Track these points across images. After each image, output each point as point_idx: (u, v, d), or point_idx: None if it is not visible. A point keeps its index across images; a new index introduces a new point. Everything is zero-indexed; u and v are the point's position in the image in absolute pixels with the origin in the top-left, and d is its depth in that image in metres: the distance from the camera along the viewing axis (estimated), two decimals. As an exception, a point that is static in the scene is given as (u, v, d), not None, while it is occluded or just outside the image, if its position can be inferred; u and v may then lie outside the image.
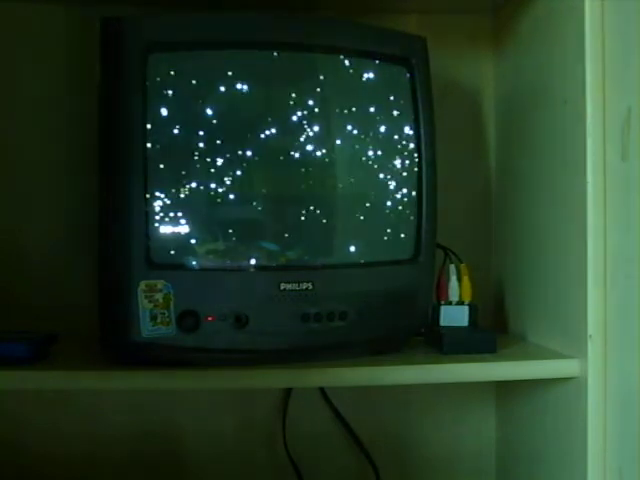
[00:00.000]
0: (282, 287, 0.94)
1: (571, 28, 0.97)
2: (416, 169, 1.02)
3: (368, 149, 1.00)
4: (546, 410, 1.05)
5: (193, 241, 0.93)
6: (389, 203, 1.01)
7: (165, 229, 0.92)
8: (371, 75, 1.00)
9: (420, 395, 1.24)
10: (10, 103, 1.16)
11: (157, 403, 1.18)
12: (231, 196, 0.94)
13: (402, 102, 1.02)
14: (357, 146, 0.99)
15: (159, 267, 0.91)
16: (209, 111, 0.93)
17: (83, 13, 1.14)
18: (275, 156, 0.96)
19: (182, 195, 0.92)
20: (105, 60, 0.93)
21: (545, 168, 1.06)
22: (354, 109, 0.99)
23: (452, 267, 1.09)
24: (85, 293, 1.09)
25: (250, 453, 1.21)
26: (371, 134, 1.00)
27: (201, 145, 0.93)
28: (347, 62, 0.99)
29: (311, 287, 0.95)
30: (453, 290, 1.08)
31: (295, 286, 0.94)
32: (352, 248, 0.99)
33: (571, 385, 0.97)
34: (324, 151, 0.97)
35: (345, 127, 0.99)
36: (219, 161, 0.93)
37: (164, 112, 0.92)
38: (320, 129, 0.97)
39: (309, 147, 0.96)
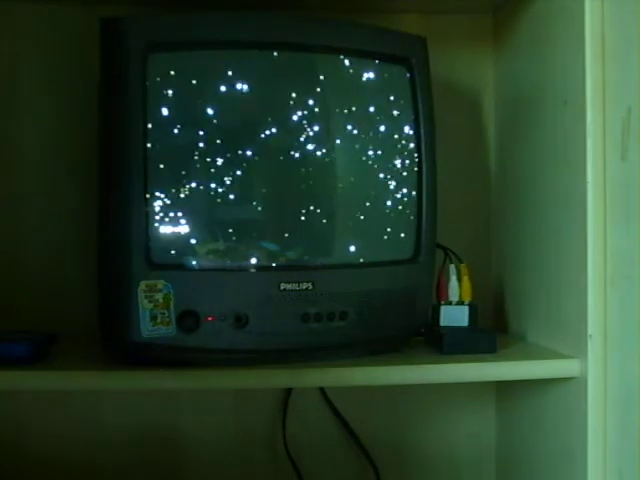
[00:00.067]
0: (282, 287, 0.94)
1: (571, 28, 0.97)
2: (416, 169, 1.02)
3: (368, 149, 1.00)
4: (546, 410, 1.05)
5: (193, 241, 0.93)
6: (389, 203, 1.01)
7: (165, 229, 0.92)
8: (371, 75, 1.00)
9: (420, 395, 1.24)
10: (10, 103, 1.16)
11: (157, 404, 1.19)
12: (231, 196, 0.94)
13: (402, 102, 1.02)
14: (357, 146, 0.99)
15: (159, 267, 0.91)
16: (209, 111, 0.93)
17: (83, 13, 1.14)
18: (275, 156, 0.96)
19: (182, 195, 0.92)
20: (105, 60, 0.93)
21: (545, 168, 1.06)
22: (354, 109, 0.99)
23: (452, 267, 1.09)
24: (85, 293, 1.09)
25: (250, 453, 1.21)
26: (371, 134, 1.00)
27: (201, 145, 0.93)
28: (347, 62, 0.99)
29: (311, 287, 0.95)
30: (453, 290, 1.08)
31: (295, 286, 0.94)
32: (352, 248, 0.99)
33: (571, 385, 0.97)
34: (324, 151, 0.97)
35: (345, 127, 0.99)
36: (219, 161, 0.93)
37: (164, 112, 0.92)
38: (320, 129, 0.97)
39: (309, 147, 0.96)
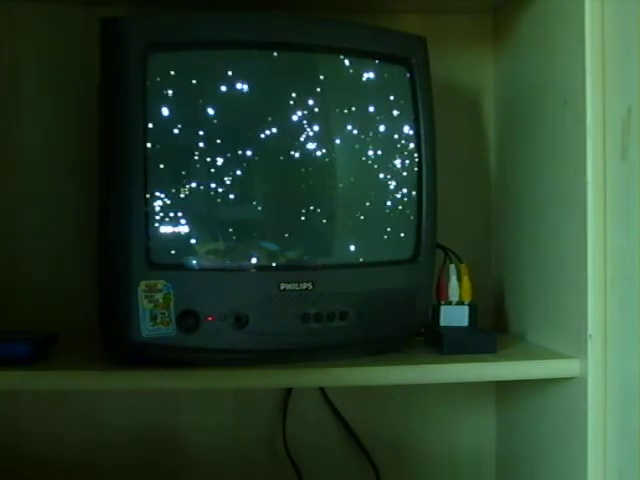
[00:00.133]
0: (282, 287, 0.94)
1: (571, 28, 0.97)
2: (416, 169, 1.02)
3: (368, 149, 1.00)
4: (546, 410, 1.05)
5: (193, 241, 0.93)
6: (389, 203, 1.01)
7: (165, 229, 0.92)
8: (371, 75, 1.00)
9: (420, 395, 1.24)
10: (10, 103, 1.16)
11: (157, 404, 1.19)
12: (231, 196, 0.94)
13: (402, 102, 1.02)
14: (357, 146, 0.99)
15: (159, 267, 0.91)
16: (209, 111, 0.93)
17: (83, 13, 1.14)
18: (275, 156, 0.96)
19: (182, 195, 0.92)
20: (105, 60, 0.93)
21: (545, 168, 1.06)
22: (354, 109, 0.99)
23: (452, 267, 1.09)
24: (85, 293, 1.09)
25: (250, 453, 1.21)
26: (371, 134, 1.00)
27: (201, 145, 0.93)
28: (347, 62, 0.99)
29: (311, 287, 0.95)
30: (453, 290, 1.08)
31: (295, 286, 0.94)
32: (352, 248, 0.99)
33: (571, 385, 0.97)
34: (324, 151, 0.97)
35: (345, 127, 0.99)
36: (219, 161, 0.93)
37: (164, 112, 0.92)
38: (320, 129, 0.97)
39: (309, 147, 0.96)
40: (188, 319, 0.91)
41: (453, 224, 1.16)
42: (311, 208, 0.97)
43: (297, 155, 0.96)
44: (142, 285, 0.90)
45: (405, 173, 1.02)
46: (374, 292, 0.98)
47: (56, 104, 1.16)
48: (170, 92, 0.92)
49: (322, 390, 1.21)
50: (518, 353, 1.03)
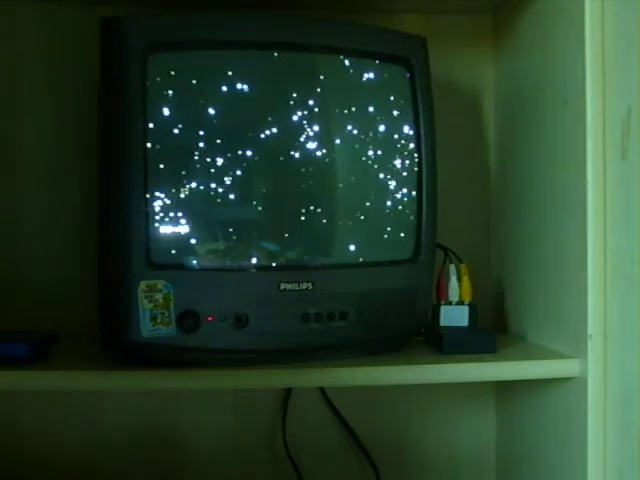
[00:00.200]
0: (282, 287, 0.94)
1: (571, 28, 0.97)
2: (416, 169, 1.02)
3: (368, 149, 1.00)
4: (546, 410, 1.05)
5: (193, 241, 0.93)
6: (389, 203, 1.01)
7: (165, 229, 0.92)
8: (371, 75, 1.00)
9: (420, 395, 1.24)
10: (10, 103, 1.16)
11: (157, 404, 1.19)
12: (231, 196, 0.94)
13: (402, 102, 1.02)
14: (357, 146, 0.99)
15: (159, 267, 0.91)
16: (209, 111, 0.93)
17: (83, 13, 1.14)
18: (275, 156, 0.96)
19: (182, 195, 0.92)
20: (105, 60, 0.93)
21: (545, 168, 1.06)
22: (354, 109, 0.99)
23: (452, 267, 1.09)
24: (85, 293, 1.09)
25: (250, 453, 1.21)
26: (371, 134, 1.00)
27: (201, 145, 0.93)
28: (347, 62, 0.99)
29: (311, 287, 0.95)
30: (453, 290, 1.08)
31: (295, 286, 0.94)
32: (352, 248, 0.99)
33: (571, 385, 0.97)
34: (324, 151, 0.97)
35: (345, 127, 0.99)
36: (219, 161, 0.93)
37: (164, 112, 0.92)
38: (320, 129, 0.97)
39: (309, 147, 0.96)
40: (188, 319, 0.91)
41: (453, 224, 1.16)
42: (311, 208, 0.97)
43: (297, 155, 0.96)
44: (142, 285, 0.90)
45: (405, 173, 1.02)
46: (374, 292, 0.98)
47: (56, 104, 1.16)
48: (170, 92, 0.92)
49: (322, 390, 1.21)
50: (518, 353, 1.03)
